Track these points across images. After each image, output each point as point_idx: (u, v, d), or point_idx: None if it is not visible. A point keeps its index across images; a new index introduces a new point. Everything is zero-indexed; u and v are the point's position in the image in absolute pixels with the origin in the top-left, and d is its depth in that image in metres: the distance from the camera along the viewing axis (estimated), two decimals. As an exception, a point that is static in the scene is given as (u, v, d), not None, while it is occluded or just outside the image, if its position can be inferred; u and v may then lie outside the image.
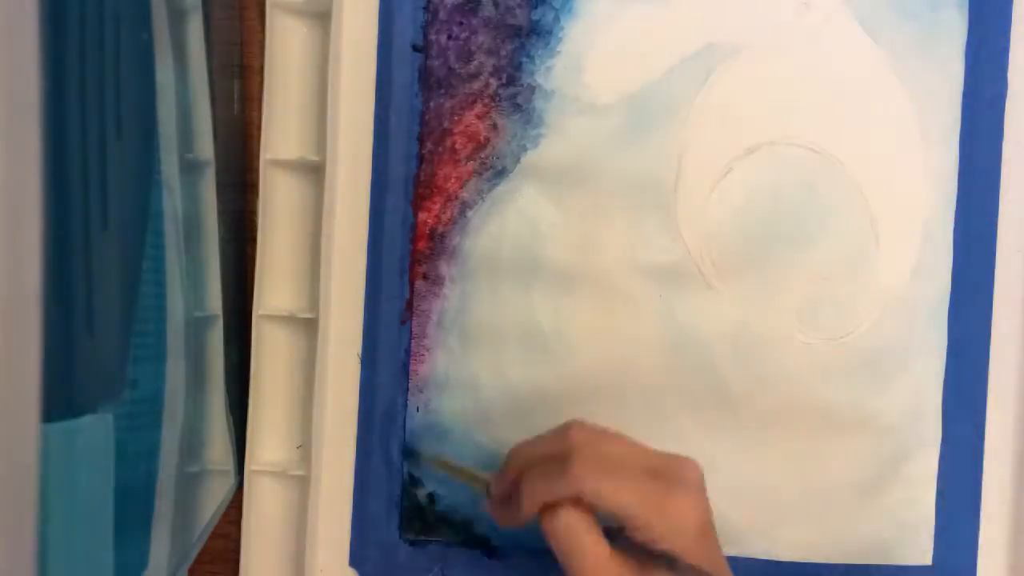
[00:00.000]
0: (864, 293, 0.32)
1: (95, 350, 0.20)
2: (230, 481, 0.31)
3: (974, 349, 0.32)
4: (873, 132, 0.31)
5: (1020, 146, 0.32)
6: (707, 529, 0.24)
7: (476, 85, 0.31)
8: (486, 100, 0.31)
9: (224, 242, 0.30)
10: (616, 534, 0.24)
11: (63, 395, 0.18)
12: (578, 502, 0.24)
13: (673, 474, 0.24)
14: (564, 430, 0.25)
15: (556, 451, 0.25)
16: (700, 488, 0.24)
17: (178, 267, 0.27)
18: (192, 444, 0.30)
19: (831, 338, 0.32)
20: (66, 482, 0.19)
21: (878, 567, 0.32)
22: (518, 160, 0.31)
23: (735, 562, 0.32)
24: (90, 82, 0.20)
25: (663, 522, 0.23)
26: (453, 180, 0.31)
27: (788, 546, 0.31)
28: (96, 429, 0.20)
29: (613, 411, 0.31)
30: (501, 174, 0.31)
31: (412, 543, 0.31)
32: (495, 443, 0.31)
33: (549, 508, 0.24)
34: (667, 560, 0.24)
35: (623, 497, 0.23)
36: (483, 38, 0.31)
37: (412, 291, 0.31)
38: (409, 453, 0.31)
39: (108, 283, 0.21)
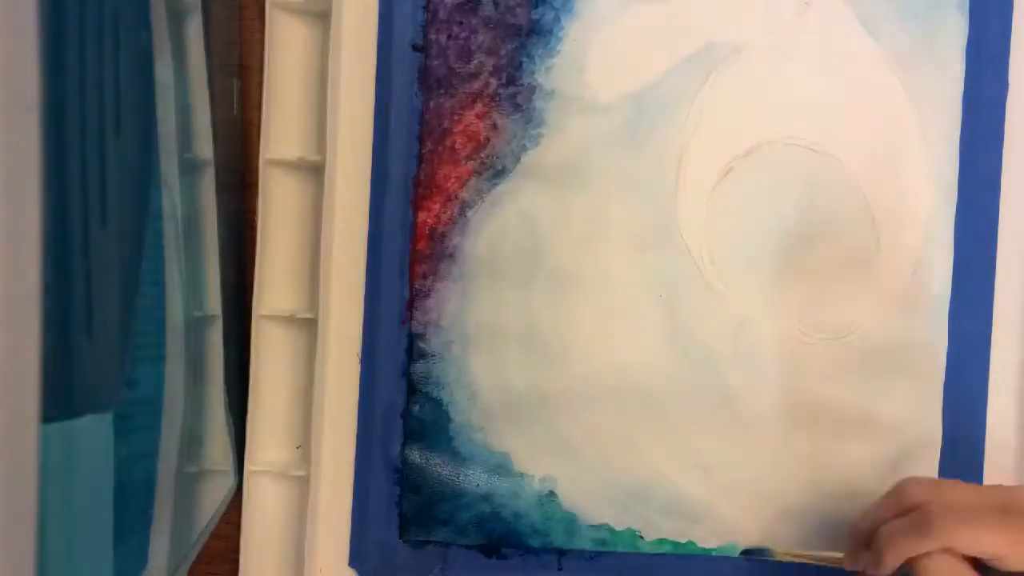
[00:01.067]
0: (864, 293, 0.32)
1: (94, 350, 0.20)
2: (229, 481, 0.31)
3: (974, 349, 0.32)
4: (873, 132, 0.31)
5: (1021, 146, 0.32)
6: None
7: (476, 85, 0.31)
8: (486, 100, 0.31)
9: (224, 242, 0.30)
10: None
11: (62, 395, 0.18)
12: (946, 550, 0.24)
13: (1020, 505, 0.25)
14: (898, 490, 0.27)
15: (900, 511, 0.26)
16: None
17: (177, 267, 0.27)
18: (191, 444, 0.30)
19: (831, 338, 0.31)
20: (65, 482, 0.19)
21: (878, 567, 0.32)
22: (518, 160, 0.31)
23: (735, 562, 0.32)
24: (90, 82, 0.20)
25: None
26: (453, 180, 0.31)
27: (788, 546, 0.31)
28: (95, 429, 0.20)
29: (613, 411, 0.31)
30: (501, 174, 0.31)
31: (412, 543, 0.31)
32: (495, 443, 0.31)
33: (920, 558, 0.25)
34: None
35: (990, 541, 0.24)
36: (483, 38, 0.31)
37: (412, 291, 0.31)
38: (752, 552, 0.31)
39: (107, 283, 0.21)
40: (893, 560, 0.25)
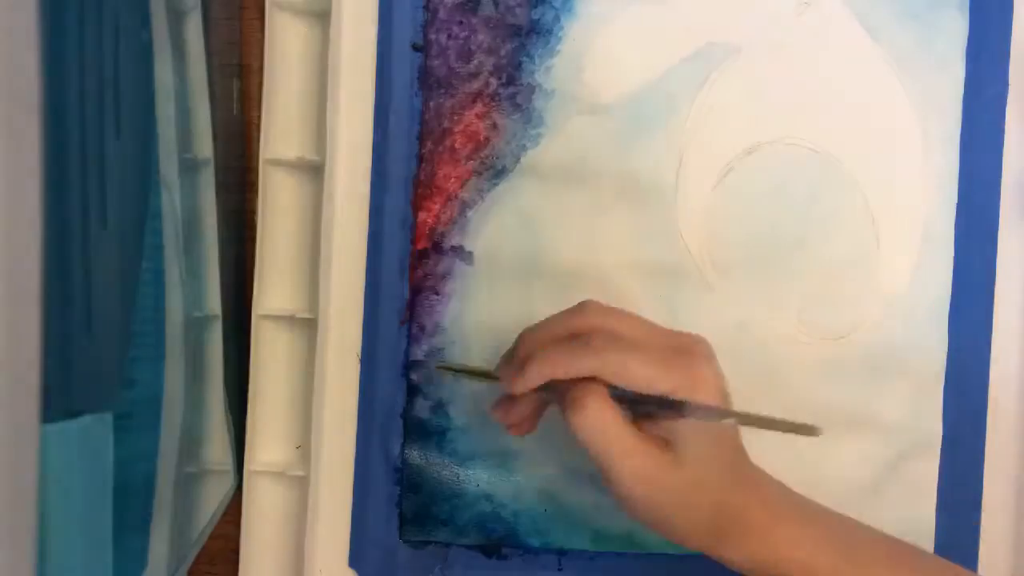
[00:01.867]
0: (864, 293, 0.31)
1: (94, 350, 0.20)
2: (229, 481, 0.31)
3: (974, 349, 0.32)
4: (873, 132, 0.31)
5: (1021, 146, 0.32)
6: (727, 392, 0.25)
7: (476, 84, 0.31)
8: (486, 99, 0.31)
9: (224, 242, 0.30)
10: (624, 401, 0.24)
11: (62, 395, 0.18)
12: (594, 380, 0.24)
13: (688, 348, 0.25)
14: (578, 309, 0.26)
15: (570, 329, 0.25)
16: (714, 358, 0.25)
17: (177, 267, 0.27)
18: (191, 444, 0.30)
19: (831, 338, 0.31)
20: (65, 482, 0.19)
21: (878, 567, 0.32)
22: (518, 160, 0.31)
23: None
24: (89, 82, 0.20)
25: (690, 391, 0.24)
26: (453, 180, 0.31)
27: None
28: (95, 429, 0.20)
29: (613, 411, 0.31)
30: (501, 174, 0.31)
31: (411, 543, 0.31)
32: (495, 443, 0.31)
33: (572, 399, 0.24)
34: (675, 404, 0.24)
35: (648, 370, 0.24)
36: (483, 37, 0.31)
37: (412, 291, 0.31)
38: (414, 365, 0.31)
39: (107, 283, 0.21)
40: (535, 376, 0.24)
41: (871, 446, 0.31)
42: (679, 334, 0.25)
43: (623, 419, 0.24)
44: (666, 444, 0.24)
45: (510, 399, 0.27)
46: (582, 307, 0.26)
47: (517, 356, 0.26)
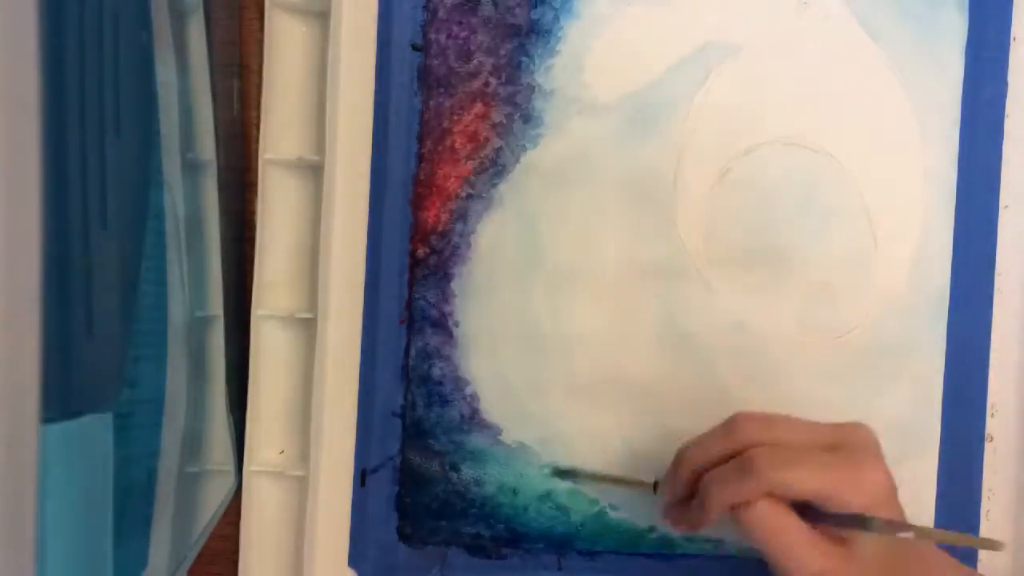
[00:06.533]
0: (863, 293, 0.32)
1: (94, 350, 0.20)
2: (230, 481, 0.31)
3: (974, 349, 0.32)
4: (872, 132, 0.31)
5: (1019, 146, 0.32)
6: (895, 487, 0.25)
7: (475, 84, 0.31)
8: (486, 99, 0.31)
9: (225, 242, 0.30)
10: (803, 508, 0.24)
11: (62, 395, 0.18)
12: (768, 494, 0.24)
13: (851, 444, 0.25)
14: (731, 425, 0.26)
15: (727, 448, 0.25)
16: (879, 449, 0.25)
17: (179, 267, 0.27)
18: (193, 444, 0.30)
19: (830, 338, 0.32)
20: (66, 482, 0.19)
21: (878, 567, 0.32)
22: (518, 160, 0.31)
23: (735, 561, 0.32)
24: (89, 82, 0.20)
25: (858, 495, 0.24)
26: (453, 179, 0.31)
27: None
28: (95, 429, 0.20)
29: (612, 410, 0.31)
30: (501, 173, 0.31)
31: (411, 543, 0.31)
32: (495, 443, 0.31)
33: (739, 506, 0.24)
34: (858, 519, 0.24)
35: (814, 482, 0.24)
36: (483, 37, 0.31)
37: (411, 291, 0.31)
38: (562, 473, 0.31)
39: (107, 283, 0.21)
40: (716, 508, 0.25)
41: (871, 446, 0.31)
42: (839, 427, 0.25)
43: (792, 514, 0.24)
44: (840, 539, 0.24)
45: (678, 508, 0.27)
46: (734, 423, 0.26)
47: (678, 476, 0.26)
